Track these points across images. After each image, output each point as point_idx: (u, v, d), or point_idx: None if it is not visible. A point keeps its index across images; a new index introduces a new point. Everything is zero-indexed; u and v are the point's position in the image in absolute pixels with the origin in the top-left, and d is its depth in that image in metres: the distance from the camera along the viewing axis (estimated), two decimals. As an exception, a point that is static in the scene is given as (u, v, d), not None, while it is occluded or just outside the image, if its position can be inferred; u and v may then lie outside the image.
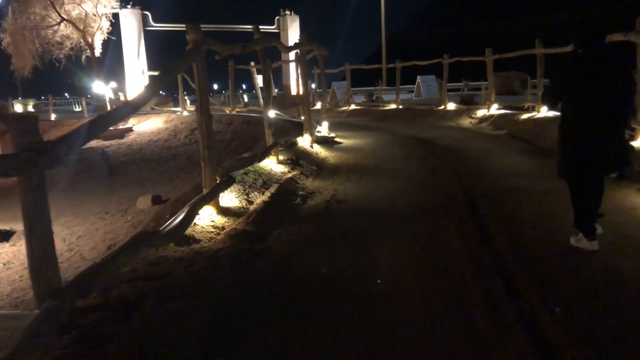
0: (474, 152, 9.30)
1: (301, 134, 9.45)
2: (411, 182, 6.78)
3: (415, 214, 5.20)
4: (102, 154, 10.50)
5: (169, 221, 4.52)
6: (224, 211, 5.10)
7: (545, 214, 4.97)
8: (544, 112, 11.35)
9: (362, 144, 11.09)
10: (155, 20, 20.78)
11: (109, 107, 17.04)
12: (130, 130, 16.95)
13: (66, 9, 16.96)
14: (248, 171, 6.38)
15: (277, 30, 24.63)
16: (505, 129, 11.95)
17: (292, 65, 23.57)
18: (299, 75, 8.93)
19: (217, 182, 5.11)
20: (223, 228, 4.81)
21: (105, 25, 17.62)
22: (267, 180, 6.38)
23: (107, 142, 15.52)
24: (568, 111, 3.91)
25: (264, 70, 6.99)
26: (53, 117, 22.74)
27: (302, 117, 9.10)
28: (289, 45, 13.09)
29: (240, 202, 5.46)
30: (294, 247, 4.36)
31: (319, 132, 11.29)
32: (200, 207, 4.70)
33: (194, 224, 4.72)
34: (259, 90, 26.39)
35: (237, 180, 5.90)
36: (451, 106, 15.77)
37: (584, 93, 3.74)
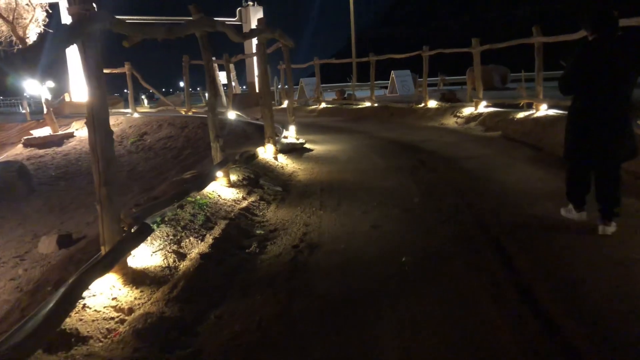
0: (471, 161, 7.74)
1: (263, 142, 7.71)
2: (405, 210, 5.13)
3: (423, 272, 3.54)
4: (20, 169, 8.53)
5: (39, 307, 2.84)
6: (136, 278, 3.35)
7: (615, 264, 3.39)
8: (544, 110, 9.90)
9: (337, 151, 9.42)
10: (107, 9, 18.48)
11: (44, 110, 14.89)
12: (71, 135, 14.88)
13: (-8, -3, 14.75)
14: (184, 203, 4.62)
15: (239, 23, 22.72)
16: (499, 130, 10.46)
17: (256, 59, 21.76)
18: (260, 70, 7.16)
19: (125, 234, 3.34)
20: (131, 310, 3.06)
21: (41, 16, 15.41)
22: (211, 214, 4.63)
23: (41, 151, 13.47)
24: (581, 97, 3.95)
25: (206, 63, 5.23)
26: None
27: (265, 118, 7.35)
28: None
29: (166, 257, 3.70)
30: (241, 353, 2.64)
31: (285, 137, 9.57)
32: (92, 279, 2.94)
33: (83, 305, 2.99)
34: (221, 88, 24.55)
35: (163, 222, 4.15)
36: (432, 104, 14.24)
37: (598, 79, 3.78)
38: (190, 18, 5.04)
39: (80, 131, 15.92)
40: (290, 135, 9.68)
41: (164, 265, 3.58)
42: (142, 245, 3.62)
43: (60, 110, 18.13)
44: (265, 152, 7.32)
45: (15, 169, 8.39)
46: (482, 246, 3.96)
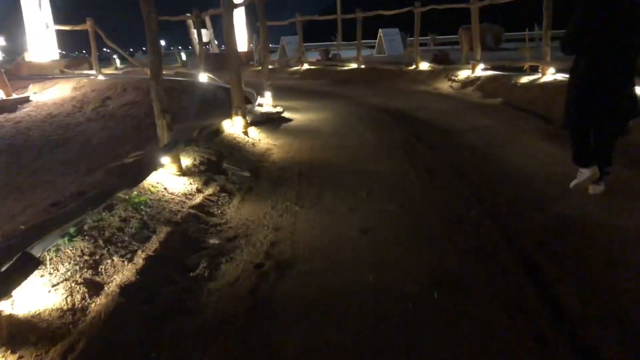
0: (473, 135, 6.69)
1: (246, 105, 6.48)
2: (401, 205, 4.08)
3: (435, 318, 2.51)
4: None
5: None
6: (15, 333, 2.27)
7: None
8: (551, 74, 8.81)
9: (320, 121, 8.28)
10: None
11: (-5, 70, 13.38)
12: (27, 100, 13.44)
13: None
14: (115, 202, 3.50)
15: None
16: (499, 97, 9.37)
17: (236, 15, 20.18)
18: (225, 24, 5.90)
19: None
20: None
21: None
22: (150, 218, 3.52)
23: (-10, 118, 12.06)
24: (585, 56, 3.81)
25: (145, 15, 4.00)
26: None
27: (232, 85, 6.15)
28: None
29: (72, 292, 2.62)
30: None
31: (260, 105, 8.39)
32: None
33: None
34: (197, 47, 22.90)
35: (80, 232, 3.05)
36: (424, 66, 13.05)
37: (602, 38, 3.67)
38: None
39: (39, 94, 14.47)
40: (266, 102, 8.50)
41: (65, 307, 2.50)
42: (34, 280, 2.53)
43: (17, 71, 16.56)
44: (233, 126, 6.16)
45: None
46: (510, 267, 2.93)
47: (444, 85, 11.47)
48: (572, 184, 4.07)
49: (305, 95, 11.95)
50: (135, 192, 3.71)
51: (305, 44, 22.95)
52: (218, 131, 5.76)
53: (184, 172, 4.35)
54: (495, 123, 7.44)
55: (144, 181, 3.93)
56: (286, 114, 8.63)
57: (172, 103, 10.26)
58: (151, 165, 3.98)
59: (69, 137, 9.49)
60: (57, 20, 17.23)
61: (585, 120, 3.96)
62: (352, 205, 4.12)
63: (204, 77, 11.96)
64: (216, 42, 23.91)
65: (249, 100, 8.76)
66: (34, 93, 14.50)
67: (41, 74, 16.02)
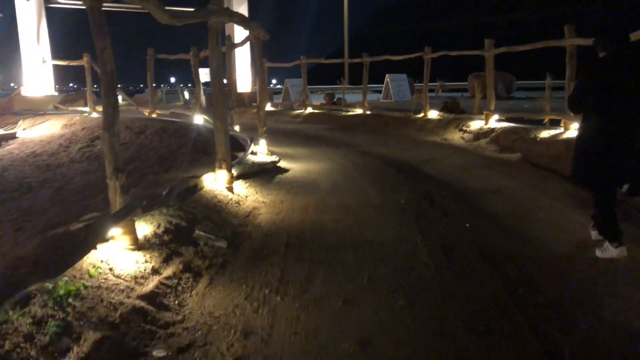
0: (494, 198, 5.82)
1: (237, 154, 5.66)
2: (413, 302, 3.18)
3: None
4: None
5: None
6: None
7: None
8: (575, 129, 8.00)
9: (318, 172, 7.45)
10: (64, -4, 16.43)
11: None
12: (12, 137, 12.76)
13: None
14: (32, 294, 2.61)
15: (245, 29, 20.61)
16: (517, 152, 8.55)
17: (239, 54, 19.71)
18: (211, 65, 5.12)
19: None
20: None
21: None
22: (79, 317, 2.62)
23: (-30, 155, 11.33)
24: (593, 115, 3.76)
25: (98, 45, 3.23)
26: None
27: (216, 134, 5.32)
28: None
29: None
30: None
31: (253, 153, 7.59)
32: None
33: None
34: (200, 85, 22.44)
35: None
36: (433, 114, 12.33)
37: (609, 97, 3.65)
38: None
39: (28, 130, 13.82)
40: (261, 150, 7.70)
41: None
42: None
43: (10, 106, 15.97)
44: (216, 180, 5.31)
45: None
46: None
47: (455, 136, 10.69)
48: (597, 253, 3.81)
49: (306, 141, 11.20)
50: (65, 279, 2.83)
51: (310, 86, 22.48)
52: (196, 187, 4.91)
53: (140, 245, 3.47)
54: (517, 184, 6.59)
55: (83, 260, 3.06)
56: (282, 163, 7.83)
57: (160, 147, 9.55)
58: (99, 236, 3.11)
59: (46, 180, 8.69)
60: (58, 54, 16.78)
61: (609, 183, 3.81)
62: (349, 296, 3.22)
63: (199, 119, 11.25)
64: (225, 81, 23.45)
65: (242, 147, 7.98)
66: (23, 129, 13.86)
67: (34, 110, 15.42)
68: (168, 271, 3.36)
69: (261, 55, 7.55)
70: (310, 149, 10.02)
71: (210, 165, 6.03)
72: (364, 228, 4.71)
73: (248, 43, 11.10)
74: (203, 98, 22.59)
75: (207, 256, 3.78)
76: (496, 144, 9.41)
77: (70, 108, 15.90)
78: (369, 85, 15.82)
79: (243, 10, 20.44)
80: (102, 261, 3.17)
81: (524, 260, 3.83)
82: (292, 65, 18.01)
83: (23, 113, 15.12)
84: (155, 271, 3.32)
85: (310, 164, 8.25)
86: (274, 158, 7.49)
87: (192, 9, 4.65)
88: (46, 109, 15.62)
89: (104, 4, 3.36)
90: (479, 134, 10.13)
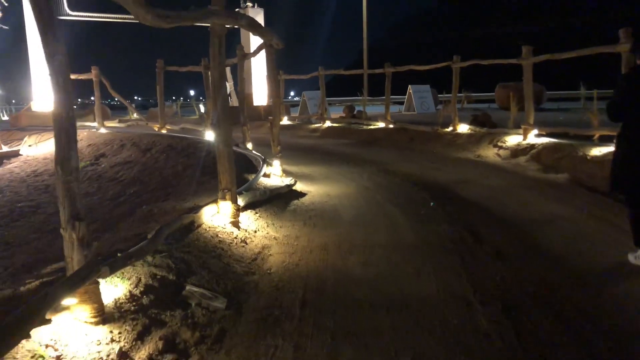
0: (551, 232, 4.85)
1: (248, 176, 4.80)
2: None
3: None
4: None
5: None
6: None
7: None
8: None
9: (340, 197, 6.55)
10: (74, 7, 15.92)
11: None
12: (16, 154, 12.14)
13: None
14: None
15: (256, 36, 19.99)
16: (564, 171, 7.55)
17: (256, 65, 19.00)
18: (213, 76, 4.25)
19: None
20: None
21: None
22: None
23: (-30, 174, 10.69)
24: (633, 124, 3.70)
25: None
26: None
27: (219, 159, 4.43)
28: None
29: None
30: None
31: (266, 175, 6.71)
32: None
33: None
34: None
35: None
36: (463, 128, 11.35)
37: None
38: None
39: (32, 148, 13.19)
40: (274, 172, 6.82)
41: None
42: None
43: (18, 122, 15.42)
44: (218, 214, 4.43)
45: None
46: None
47: (489, 153, 9.70)
48: (630, 258, 3.86)
49: (325, 158, 10.32)
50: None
51: (328, 99, 21.65)
52: (192, 225, 4.03)
53: (106, 316, 2.59)
54: (571, 212, 5.60)
55: (21, 344, 2.18)
56: (299, 186, 6.95)
57: (165, 167, 8.74)
58: (42, 312, 2.24)
59: (39, 205, 7.92)
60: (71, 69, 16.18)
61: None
62: (390, 395, 2.29)
63: (210, 135, 10.44)
64: (235, 95, 22.76)
65: (253, 168, 7.11)
66: (29, 146, 13.25)
67: (43, 125, 14.83)
68: (142, 354, 2.47)
69: (274, 65, 6.69)
70: (329, 167, 9.13)
71: (217, 191, 5.17)
72: (400, 276, 3.78)
73: (264, 53, 10.34)
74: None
75: (198, 324, 2.89)
76: (538, 162, 8.41)
77: (79, 123, 15.24)
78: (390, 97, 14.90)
79: (259, 21, 19.76)
80: (47, 345, 2.30)
81: (617, 334, 2.86)
82: (310, 77, 17.20)
83: (30, 129, 14.55)
84: (123, 355, 2.43)
85: (329, 186, 7.35)
86: (289, 181, 6.61)
87: (195, 7, 3.82)
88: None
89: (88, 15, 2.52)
90: (517, 151, 9.13)
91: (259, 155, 7.32)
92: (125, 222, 5.02)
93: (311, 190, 6.96)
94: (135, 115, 25.35)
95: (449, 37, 78.42)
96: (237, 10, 20.63)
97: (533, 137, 9.25)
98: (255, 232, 4.64)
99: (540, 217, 5.43)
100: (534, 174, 7.91)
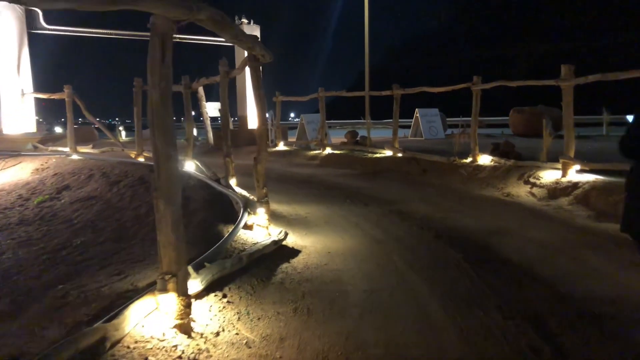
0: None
1: (225, 228, 3.20)
2: None
3: None
4: None
5: None
6: None
7: None
8: None
9: (343, 257, 4.95)
10: (50, 21, 14.49)
11: None
12: (-32, 184, 10.53)
13: None
14: None
15: (231, 43, 18.68)
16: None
17: (251, 86, 17.53)
18: (151, 95, 2.70)
19: None
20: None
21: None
22: None
23: None
24: None
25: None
26: None
27: (158, 225, 2.81)
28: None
29: None
30: None
31: (249, 227, 5.14)
32: None
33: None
34: (207, 120, 20.32)
35: None
36: (485, 159, 9.82)
37: None
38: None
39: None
40: (259, 222, 5.23)
41: None
42: None
43: (-17, 146, 13.89)
44: (158, 311, 2.83)
45: None
46: None
47: (521, 191, 8.13)
48: None
49: (324, 194, 8.76)
50: None
51: (328, 121, 20.19)
52: (102, 344, 2.42)
53: None
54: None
55: None
56: (290, 238, 5.38)
57: (128, 208, 7.15)
58: None
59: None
60: (41, 86, 14.77)
61: None
62: None
63: (190, 166, 8.90)
64: (235, 118, 21.24)
65: (232, 215, 5.52)
66: None
67: (10, 150, 13.29)
68: None
69: (260, 82, 5.14)
70: (329, 206, 7.57)
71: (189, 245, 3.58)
72: None
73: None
74: (211, 136, 20.47)
75: None
76: (586, 206, 6.84)
77: (51, 148, 13.73)
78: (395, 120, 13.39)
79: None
80: None
81: None
82: (309, 99, 15.74)
83: (-2, 153, 12.99)
84: None
85: (330, 236, 5.77)
86: (276, 235, 5.02)
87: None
88: (24, 149, 13.47)
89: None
90: (556, 190, 7.56)
91: (240, 198, 5.73)
92: (30, 311, 3.41)
93: (307, 244, 5.37)
94: (124, 137, 23.90)
95: (453, 59, 77.68)
96: (231, 26, 19.26)
97: (575, 174, 7.71)
98: (218, 335, 3.03)
99: (626, 298, 3.85)
100: (586, 222, 6.32)
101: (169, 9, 2.65)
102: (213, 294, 3.49)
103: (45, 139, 14.86)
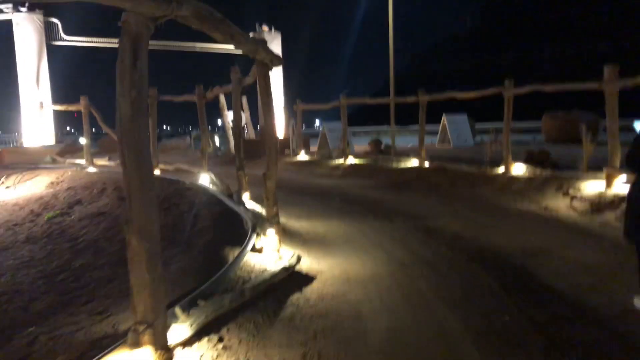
0: None
1: (232, 251, 2.73)
2: None
3: None
4: None
5: None
6: None
7: None
8: None
9: (364, 286, 4.40)
10: (69, 32, 14.36)
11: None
12: (-17, 198, 10.35)
13: None
14: None
15: (235, 48, 18.31)
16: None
17: (276, 94, 17.15)
18: (123, 108, 2.25)
19: None
20: None
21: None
22: None
23: None
24: None
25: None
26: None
27: (131, 263, 2.31)
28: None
29: None
30: None
31: (257, 250, 4.64)
32: None
33: None
34: (230, 131, 19.98)
35: None
36: (519, 169, 9.13)
37: None
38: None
39: (9, 191, 11.45)
40: (269, 245, 4.72)
41: None
42: None
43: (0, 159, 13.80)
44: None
45: None
46: None
47: (560, 205, 7.43)
48: (635, 302, 3.64)
49: (345, 209, 8.21)
50: None
51: (351, 127, 19.63)
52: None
53: None
54: None
55: None
56: (305, 262, 4.85)
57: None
58: None
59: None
60: (55, 98, 14.59)
61: None
62: None
63: (205, 179, 8.48)
64: (251, 127, 20.94)
65: (241, 234, 5.03)
66: (6, 188, 11.51)
67: (28, 162, 13.15)
68: None
69: (269, 90, 4.62)
70: (350, 223, 7.02)
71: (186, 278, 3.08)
72: None
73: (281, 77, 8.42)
74: (232, 145, 20.14)
75: None
76: (637, 221, 6.11)
77: (68, 161, 13.54)
78: (415, 126, 12.77)
79: (276, 45, 18.03)
80: None
81: None
82: (331, 108, 15.24)
83: (12, 166, 12.87)
84: None
85: (350, 259, 5.22)
86: (287, 260, 4.49)
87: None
88: (43, 162, 13.31)
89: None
90: (600, 204, 6.85)
91: (250, 218, 5.23)
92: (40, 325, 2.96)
93: (323, 269, 4.83)
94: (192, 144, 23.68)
95: (476, 64, 76.37)
96: (250, 34, 18.99)
97: (621, 185, 6.99)
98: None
99: None
100: (638, 241, 5.61)
101: (141, 3, 2.17)
102: (207, 338, 2.97)
103: (64, 150, 14.73)
